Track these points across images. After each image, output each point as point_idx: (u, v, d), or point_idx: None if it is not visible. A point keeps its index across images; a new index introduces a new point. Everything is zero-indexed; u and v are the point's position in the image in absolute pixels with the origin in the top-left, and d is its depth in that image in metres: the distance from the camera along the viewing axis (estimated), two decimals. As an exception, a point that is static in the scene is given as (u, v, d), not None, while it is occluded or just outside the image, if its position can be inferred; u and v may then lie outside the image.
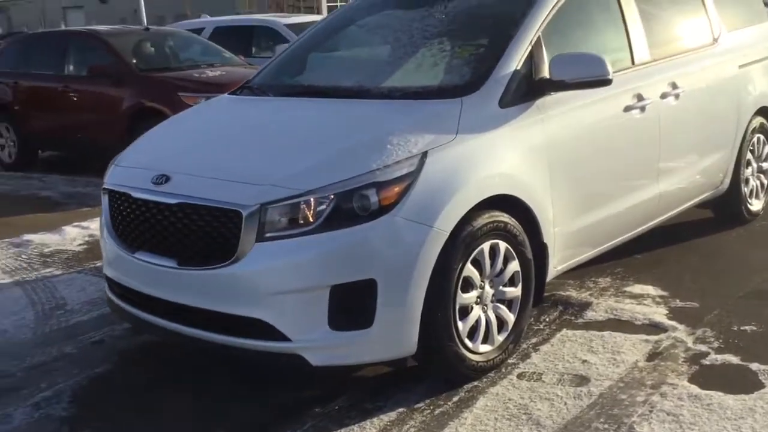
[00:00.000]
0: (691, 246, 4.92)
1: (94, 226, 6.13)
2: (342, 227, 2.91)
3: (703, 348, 3.52)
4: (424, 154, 3.06)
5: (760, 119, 5.22)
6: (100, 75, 8.43)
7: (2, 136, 9.51)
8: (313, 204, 2.92)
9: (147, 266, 3.21)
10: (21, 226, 6.42)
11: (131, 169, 3.48)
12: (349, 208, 2.93)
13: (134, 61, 8.65)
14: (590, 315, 3.95)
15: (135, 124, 7.76)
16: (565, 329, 3.80)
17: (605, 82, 3.50)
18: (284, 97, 3.94)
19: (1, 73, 9.57)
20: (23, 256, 5.55)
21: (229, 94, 4.27)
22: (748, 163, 5.21)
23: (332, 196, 2.92)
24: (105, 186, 3.53)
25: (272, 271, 2.92)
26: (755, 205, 5.34)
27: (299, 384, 3.34)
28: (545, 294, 4.14)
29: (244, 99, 4.10)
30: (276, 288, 2.91)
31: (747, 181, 5.22)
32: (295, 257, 2.91)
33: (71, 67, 9.07)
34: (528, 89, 3.50)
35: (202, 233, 3.05)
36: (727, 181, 4.99)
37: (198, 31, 11.19)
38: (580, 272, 4.38)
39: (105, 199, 3.53)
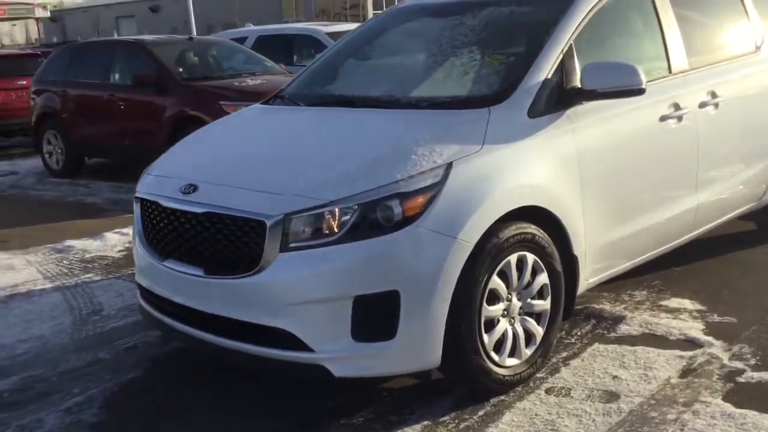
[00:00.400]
0: (732, 259, 4.79)
1: (134, 232, 6.24)
2: (366, 238, 2.90)
3: (739, 365, 3.41)
4: (449, 165, 3.04)
5: (807, 128, 5.05)
6: (145, 84, 8.56)
7: (50, 144, 9.75)
8: (337, 214, 2.92)
9: (175, 274, 3.25)
10: (65, 231, 6.58)
11: (161, 178, 3.52)
12: (373, 219, 2.92)
13: (178, 70, 8.78)
14: (624, 329, 3.86)
15: (177, 132, 7.82)
16: (597, 343, 3.73)
17: (638, 91, 3.43)
18: (314, 106, 3.96)
19: (50, 81, 9.83)
20: (65, 262, 5.67)
21: (261, 103, 4.31)
22: (793, 174, 5.04)
23: (356, 207, 2.91)
24: (137, 195, 3.59)
25: (296, 281, 2.93)
26: (801, 217, 5.17)
27: (324, 395, 3.34)
28: (578, 307, 4.10)
29: (275, 108, 4.13)
30: (299, 298, 2.92)
31: (792, 192, 5.05)
32: (318, 267, 2.91)
33: (117, 76, 9.25)
34: (559, 99, 3.45)
35: (227, 242, 3.07)
36: (771, 192, 4.85)
37: (241, 39, 11.34)
38: (615, 284, 4.30)
39: (137, 208, 3.58)
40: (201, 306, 3.18)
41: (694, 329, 3.81)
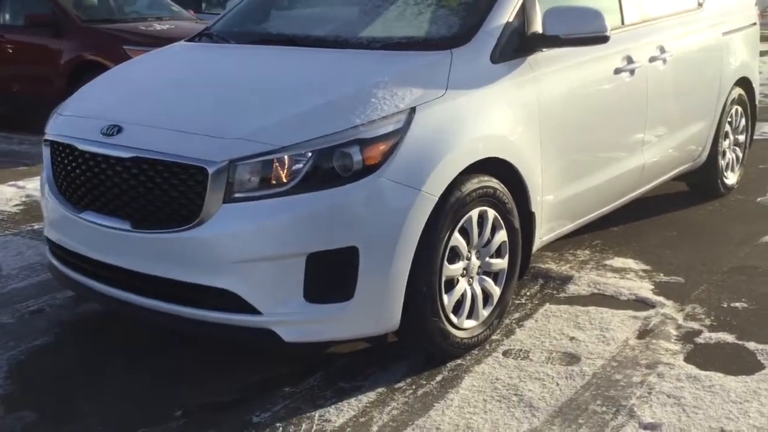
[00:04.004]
0: (667, 219, 4.74)
1: (32, 185, 5.68)
2: (321, 188, 2.60)
3: (695, 326, 3.33)
4: (413, 110, 2.76)
5: (738, 90, 5.06)
6: (39, 24, 7.86)
7: (-70, 88, 8.80)
8: (288, 162, 2.60)
9: (96, 228, 2.84)
10: (-51, 184, 5.90)
11: (77, 119, 3.08)
12: (330, 168, 2.61)
13: (77, 10, 8.08)
14: (573, 289, 3.73)
15: (75, 79, 7.25)
16: (547, 304, 3.57)
17: (602, 39, 3.24)
18: (248, 45, 3.56)
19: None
20: (-48, 217, 5.06)
21: (186, 41, 3.87)
22: (726, 135, 5.05)
23: (310, 154, 2.60)
24: (46, 137, 3.13)
25: (242, 236, 2.59)
26: (730, 178, 5.20)
27: (268, 361, 3.03)
28: (525, 266, 3.93)
29: (203, 46, 3.71)
30: (246, 255, 2.59)
31: (724, 153, 5.06)
32: (267, 221, 2.58)
33: (7, 15, 8.44)
34: (520, 44, 3.22)
35: (159, 192, 2.69)
36: (705, 153, 4.82)
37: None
38: (557, 244, 4.15)
39: (47, 152, 3.13)
40: (127, 264, 2.79)
41: (644, 289, 3.71)
